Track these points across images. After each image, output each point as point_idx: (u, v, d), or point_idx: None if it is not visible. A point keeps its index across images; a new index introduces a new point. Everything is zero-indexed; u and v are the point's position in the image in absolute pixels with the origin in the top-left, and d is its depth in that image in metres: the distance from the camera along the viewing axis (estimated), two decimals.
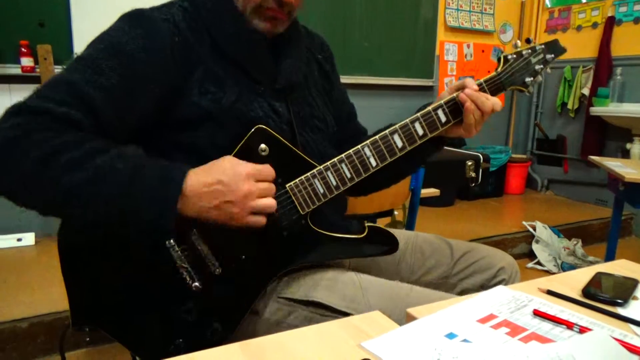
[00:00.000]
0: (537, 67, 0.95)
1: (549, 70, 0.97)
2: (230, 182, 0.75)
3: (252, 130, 0.82)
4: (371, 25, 3.43)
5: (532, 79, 0.96)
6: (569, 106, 3.79)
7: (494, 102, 0.90)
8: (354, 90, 3.35)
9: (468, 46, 3.91)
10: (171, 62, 0.80)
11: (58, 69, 2.46)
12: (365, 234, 0.91)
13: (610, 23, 3.51)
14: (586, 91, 3.65)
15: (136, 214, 0.71)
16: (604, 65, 3.52)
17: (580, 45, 3.73)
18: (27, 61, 2.41)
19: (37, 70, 2.42)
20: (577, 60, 3.74)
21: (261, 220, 0.79)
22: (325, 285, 0.86)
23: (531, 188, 4.19)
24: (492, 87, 0.93)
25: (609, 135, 3.59)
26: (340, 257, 0.95)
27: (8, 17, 2.41)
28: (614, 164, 1.93)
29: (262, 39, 0.89)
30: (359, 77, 3.40)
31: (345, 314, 0.83)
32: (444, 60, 3.80)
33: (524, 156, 4.17)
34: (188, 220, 0.76)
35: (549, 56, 0.96)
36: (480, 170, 2.11)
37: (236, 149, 0.82)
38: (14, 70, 2.42)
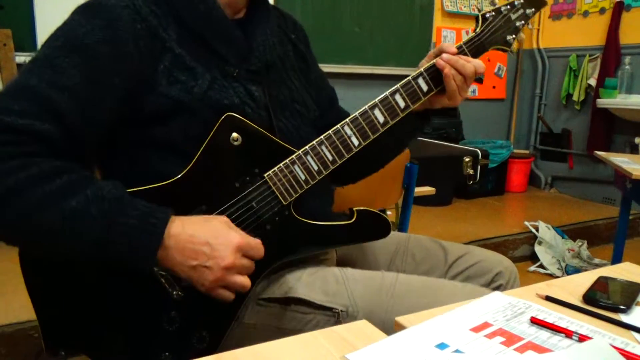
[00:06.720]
0: (518, 23, 0.97)
1: (530, 25, 0.99)
2: (219, 248, 0.75)
3: (221, 119, 0.81)
4: (363, 10, 3.42)
5: (513, 36, 0.97)
6: (575, 98, 3.84)
7: (476, 64, 0.92)
8: (343, 80, 3.34)
9: (467, 33, 3.93)
10: (135, 52, 0.79)
11: (19, 56, 2.42)
12: (354, 219, 0.91)
13: (619, 8, 3.55)
14: (593, 82, 3.69)
15: (114, 257, 0.72)
16: (611, 54, 3.56)
17: (586, 33, 3.77)
18: None
19: None
20: (584, 48, 3.77)
21: (230, 296, 0.78)
22: (306, 281, 0.88)
23: (534, 185, 4.24)
24: (473, 48, 0.95)
25: (617, 129, 3.63)
26: (329, 247, 0.95)
27: None
28: (621, 160, 1.96)
29: (230, 18, 0.89)
30: (349, 66, 3.40)
31: (328, 309, 0.85)
32: None
33: (526, 151, 4.21)
34: None
35: (529, 10, 0.98)
36: (479, 166, 2.13)
37: (206, 141, 0.81)
38: None
